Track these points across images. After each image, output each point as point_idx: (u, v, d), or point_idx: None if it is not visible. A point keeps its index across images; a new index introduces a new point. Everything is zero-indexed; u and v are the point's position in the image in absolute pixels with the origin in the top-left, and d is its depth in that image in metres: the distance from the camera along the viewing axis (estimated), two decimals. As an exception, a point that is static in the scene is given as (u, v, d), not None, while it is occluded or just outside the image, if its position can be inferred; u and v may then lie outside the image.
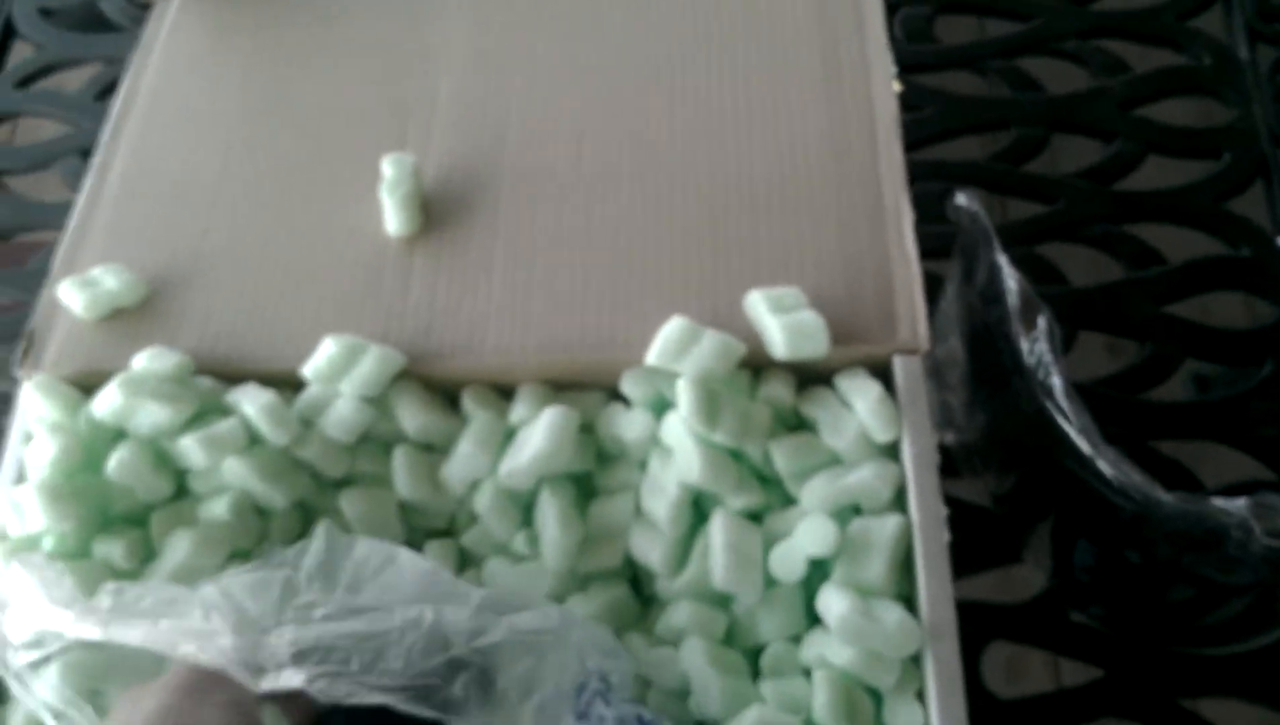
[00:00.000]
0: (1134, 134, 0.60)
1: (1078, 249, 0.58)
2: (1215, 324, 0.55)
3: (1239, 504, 0.41)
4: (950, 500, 0.52)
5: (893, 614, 0.38)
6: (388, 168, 0.48)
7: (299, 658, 0.34)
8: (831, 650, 0.39)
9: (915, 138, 0.61)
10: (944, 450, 0.53)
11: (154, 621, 0.35)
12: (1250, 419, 0.53)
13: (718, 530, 0.42)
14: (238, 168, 0.52)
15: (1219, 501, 0.41)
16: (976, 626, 0.50)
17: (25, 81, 0.71)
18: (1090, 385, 0.54)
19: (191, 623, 0.35)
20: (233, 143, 0.53)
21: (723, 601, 0.43)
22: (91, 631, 0.35)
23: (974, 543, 0.51)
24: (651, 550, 0.43)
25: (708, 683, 0.40)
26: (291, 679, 0.33)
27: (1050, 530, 0.49)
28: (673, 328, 0.43)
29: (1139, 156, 0.60)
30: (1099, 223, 0.58)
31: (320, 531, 0.39)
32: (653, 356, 0.43)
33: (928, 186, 0.59)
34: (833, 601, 0.39)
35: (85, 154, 0.66)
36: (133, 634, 0.35)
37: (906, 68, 0.64)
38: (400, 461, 0.43)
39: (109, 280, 0.47)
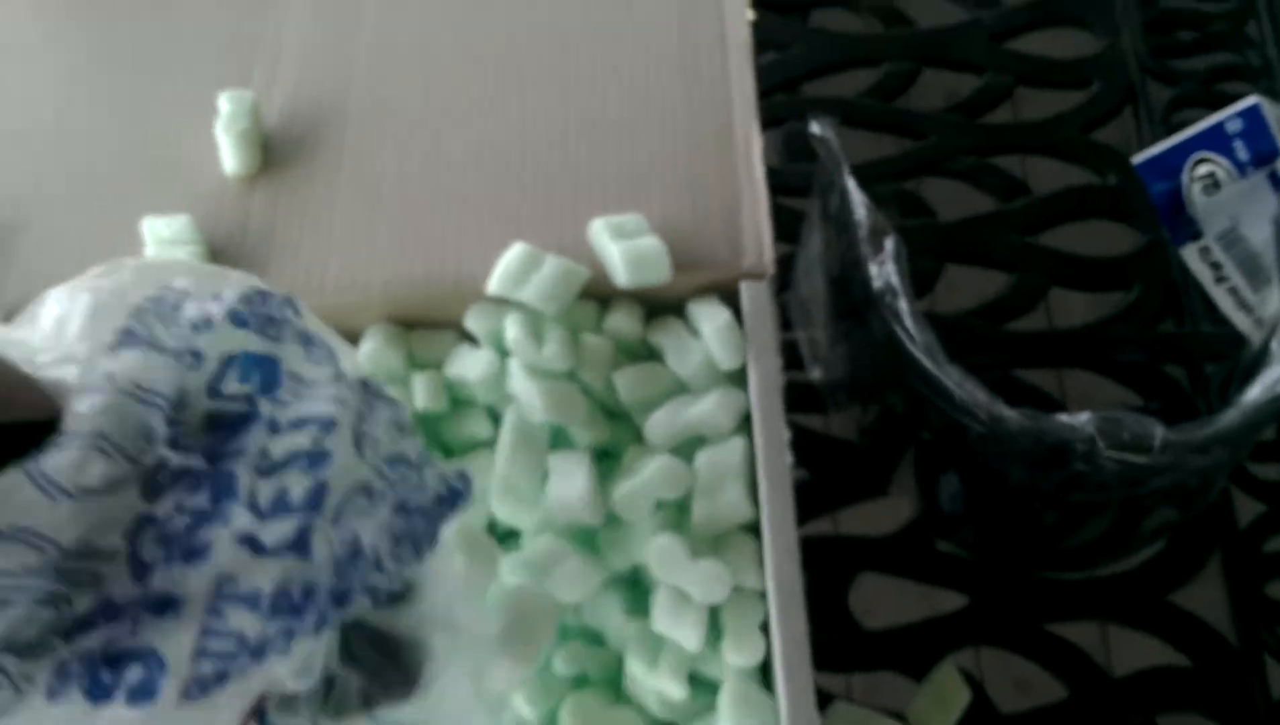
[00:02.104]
0: (1003, 67, 0.60)
1: (947, 183, 0.58)
2: (1086, 252, 0.56)
3: (1083, 419, 0.40)
4: (818, 436, 0.52)
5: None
6: (224, 104, 0.47)
7: None
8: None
9: (787, 76, 0.61)
10: (810, 387, 0.53)
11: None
12: (1113, 345, 0.53)
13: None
14: (77, 112, 0.50)
15: (1064, 417, 0.41)
16: (845, 560, 0.49)
17: None
18: (959, 317, 0.54)
19: None
20: (73, 87, 0.51)
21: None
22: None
23: (842, 477, 0.51)
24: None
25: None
26: None
27: (913, 461, 0.49)
28: (514, 254, 0.42)
29: (1008, 89, 0.60)
30: (967, 156, 0.58)
31: None
32: (493, 284, 0.41)
33: (798, 126, 0.59)
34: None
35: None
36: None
37: (780, 6, 0.63)
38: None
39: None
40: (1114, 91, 0.59)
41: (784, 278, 0.47)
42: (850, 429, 0.52)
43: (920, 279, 0.44)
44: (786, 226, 0.44)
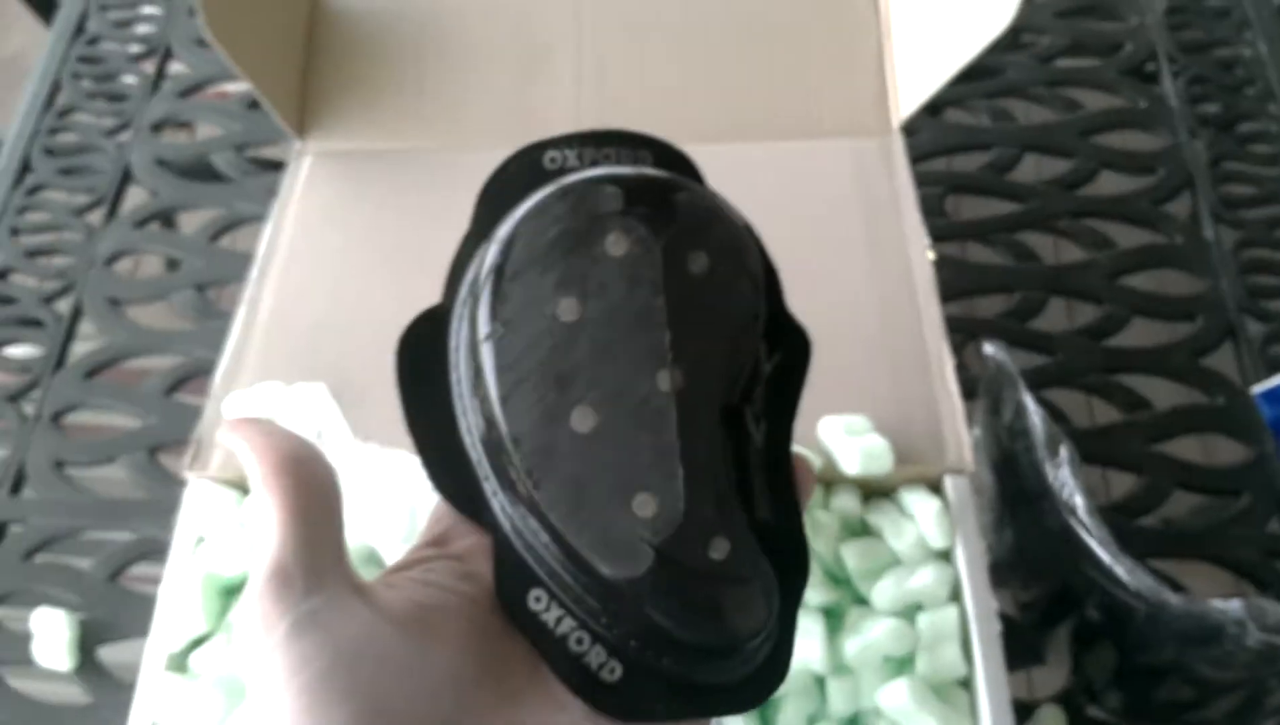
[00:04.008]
0: (1119, 299, 0.71)
1: (1076, 395, 0.68)
2: (1202, 462, 0.65)
3: (1234, 605, 0.49)
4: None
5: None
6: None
7: None
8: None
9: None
10: (974, 564, 0.61)
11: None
12: (1229, 542, 0.62)
13: None
14: (370, 309, 0.61)
15: (1218, 603, 0.49)
16: (1008, 720, 0.57)
17: (142, 222, 0.79)
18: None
19: None
20: (365, 287, 0.62)
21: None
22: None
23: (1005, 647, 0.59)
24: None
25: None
26: None
27: (1070, 633, 0.57)
28: (762, 448, 0.51)
29: (1125, 318, 0.70)
30: (1093, 373, 0.68)
31: None
32: (746, 472, 0.51)
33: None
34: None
35: (200, 288, 0.75)
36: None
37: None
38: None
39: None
40: (1216, 326, 0.69)
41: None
42: (1009, 604, 0.60)
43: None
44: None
